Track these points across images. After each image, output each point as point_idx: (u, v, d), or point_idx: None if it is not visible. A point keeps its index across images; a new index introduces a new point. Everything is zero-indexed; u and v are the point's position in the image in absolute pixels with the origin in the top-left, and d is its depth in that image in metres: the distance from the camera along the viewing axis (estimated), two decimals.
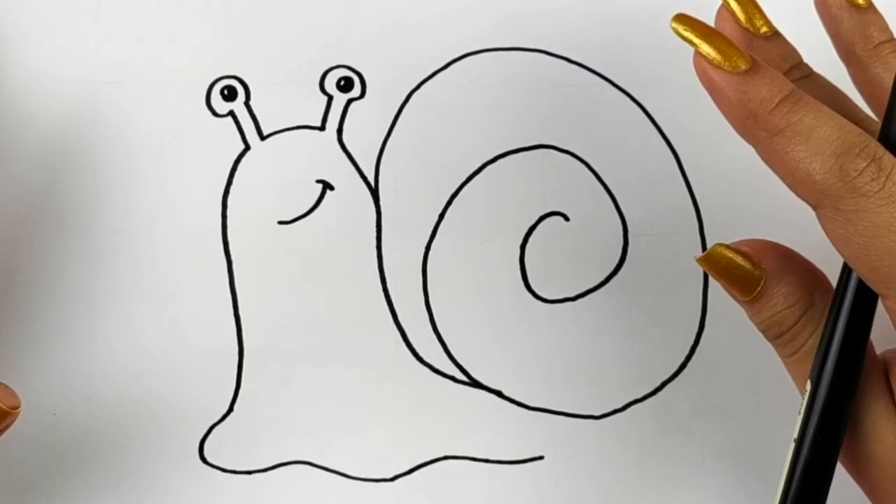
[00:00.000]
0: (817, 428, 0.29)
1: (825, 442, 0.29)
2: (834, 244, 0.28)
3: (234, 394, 0.36)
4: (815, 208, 0.28)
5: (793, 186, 0.28)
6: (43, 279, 0.36)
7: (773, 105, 0.28)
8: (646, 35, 0.39)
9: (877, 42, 0.32)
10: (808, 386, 0.29)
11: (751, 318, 0.31)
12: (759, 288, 0.30)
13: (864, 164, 0.27)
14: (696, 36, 0.29)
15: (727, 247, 0.31)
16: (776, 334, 0.31)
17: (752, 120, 0.28)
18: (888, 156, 0.27)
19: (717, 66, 0.28)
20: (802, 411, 0.29)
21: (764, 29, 0.32)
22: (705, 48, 0.28)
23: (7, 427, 0.31)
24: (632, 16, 0.39)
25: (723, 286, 0.31)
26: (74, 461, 0.35)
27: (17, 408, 0.31)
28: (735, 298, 0.31)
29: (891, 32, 0.32)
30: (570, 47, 0.39)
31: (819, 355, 0.29)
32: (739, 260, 0.30)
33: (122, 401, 0.36)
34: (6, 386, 0.31)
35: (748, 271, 0.30)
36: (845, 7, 0.32)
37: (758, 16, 0.32)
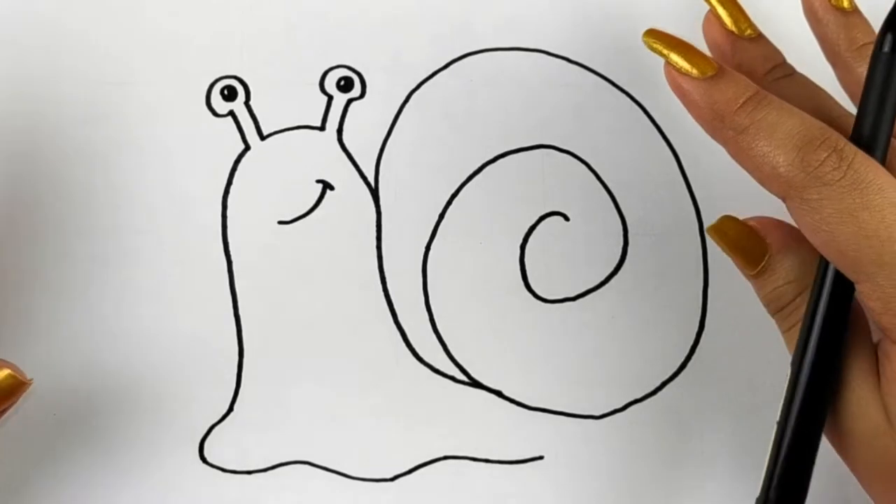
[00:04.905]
0: (798, 412, 0.30)
1: (806, 425, 0.30)
2: (805, 233, 0.30)
3: (234, 394, 0.36)
4: (784, 200, 0.30)
5: (761, 181, 0.30)
6: (43, 279, 0.36)
7: (738, 105, 0.30)
8: None
9: (860, 43, 0.34)
10: (789, 371, 0.30)
11: (756, 291, 0.33)
12: (763, 262, 0.31)
13: (826, 155, 0.28)
14: (665, 47, 0.31)
15: (735, 219, 0.32)
16: (776, 308, 0.32)
17: (718, 120, 0.30)
18: (850, 146, 0.29)
19: (686, 74, 0.31)
20: (784, 396, 0.30)
21: (748, 31, 0.34)
22: (674, 58, 0.31)
23: (15, 400, 0.31)
24: (632, 16, 0.39)
25: (731, 258, 0.32)
26: (74, 461, 0.35)
27: (27, 383, 0.31)
28: (743, 272, 0.33)
29: (874, 34, 0.33)
30: (570, 47, 0.39)
31: (799, 341, 0.30)
32: (746, 232, 0.32)
33: (122, 401, 0.36)
34: (15, 365, 0.32)
35: (754, 244, 0.32)
36: (831, 11, 0.34)
37: (742, 19, 0.35)
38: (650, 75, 0.39)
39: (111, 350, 0.36)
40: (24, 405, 0.35)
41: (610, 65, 0.39)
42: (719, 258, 0.37)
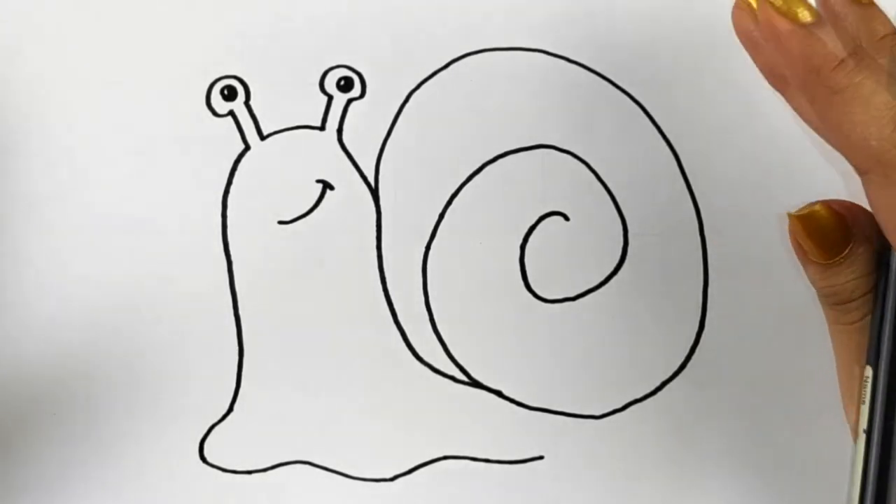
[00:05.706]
0: (885, 412, 0.28)
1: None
2: (876, 212, 0.28)
3: (234, 394, 0.36)
4: (862, 174, 0.28)
5: (843, 149, 0.28)
6: (42, 279, 0.36)
7: (837, 62, 0.27)
8: (646, 35, 0.39)
9: (881, 35, 0.32)
10: (868, 371, 0.29)
11: (816, 280, 0.31)
12: (844, 252, 0.30)
13: None
14: None
15: (829, 207, 0.30)
16: (840, 301, 0.30)
17: (813, 75, 0.27)
18: None
19: (783, 15, 0.28)
20: (867, 399, 0.28)
21: None
22: None
23: None
24: (631, 16, 0.39)
25: (805, 246, 0.30)
26: (74, 461, 0.35)
27: None
28: (804, 258, 0.31)
29: (893, 26, 0.32)
30: (570, 47, 0.39)
31: (873, 337, 0.29)
32: (836, 220, 0.30)
33: (122, 400, 0.36)
34: None
35: (841, 233, 0.30)
36: (849, 5, 0.32)
37: None
38: (650, 75, 0.39)
39: (111, 350, 0.36)
40: (23, 405, 0.35)
41: (610, 65, 0.39)
42: (719, 258, 0.37)
